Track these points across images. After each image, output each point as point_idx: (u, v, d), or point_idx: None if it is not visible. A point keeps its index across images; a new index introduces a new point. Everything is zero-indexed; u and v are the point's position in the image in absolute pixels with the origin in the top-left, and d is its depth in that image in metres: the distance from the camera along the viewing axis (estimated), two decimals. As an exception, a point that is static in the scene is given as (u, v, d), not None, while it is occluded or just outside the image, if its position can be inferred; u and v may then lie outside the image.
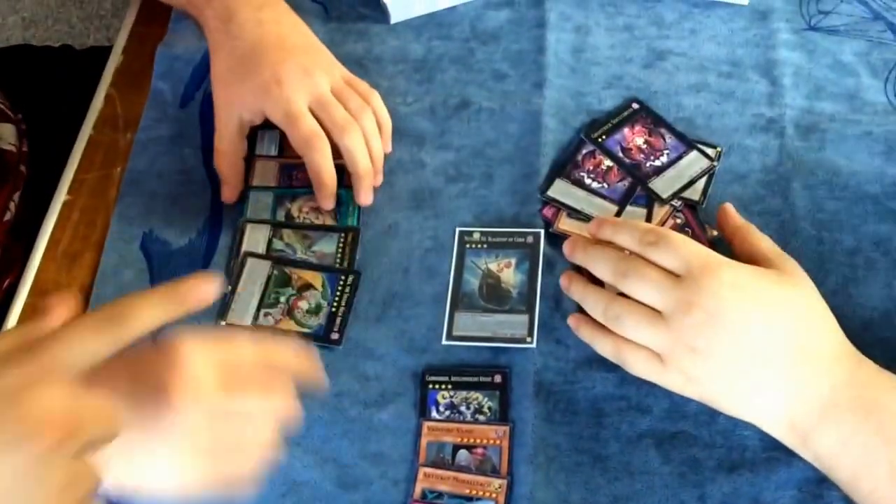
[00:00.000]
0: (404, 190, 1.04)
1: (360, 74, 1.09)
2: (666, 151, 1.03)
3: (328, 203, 1.00)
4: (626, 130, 1.05)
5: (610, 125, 1.05)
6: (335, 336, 0.96)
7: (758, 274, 0.84)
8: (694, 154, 1.02)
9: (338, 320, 0.97)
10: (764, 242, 0.89)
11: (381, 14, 1.18)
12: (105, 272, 1.01)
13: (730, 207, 0.94)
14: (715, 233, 0.96)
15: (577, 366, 0.92)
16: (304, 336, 0.96)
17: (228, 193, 1.03)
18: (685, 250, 0.85)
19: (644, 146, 1.03)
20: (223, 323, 0.96)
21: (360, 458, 0.89)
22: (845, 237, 0.98)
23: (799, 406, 0.81)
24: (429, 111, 1.09)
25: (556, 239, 0.98)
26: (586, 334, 0.90)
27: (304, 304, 0.98)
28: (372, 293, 0.98)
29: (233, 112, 1.00)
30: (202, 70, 1.14)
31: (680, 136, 1.04)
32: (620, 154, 1.03)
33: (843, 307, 0.92)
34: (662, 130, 1.04)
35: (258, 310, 0.97)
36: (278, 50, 1.00)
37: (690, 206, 0.99)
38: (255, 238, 1.01)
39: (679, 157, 1.03)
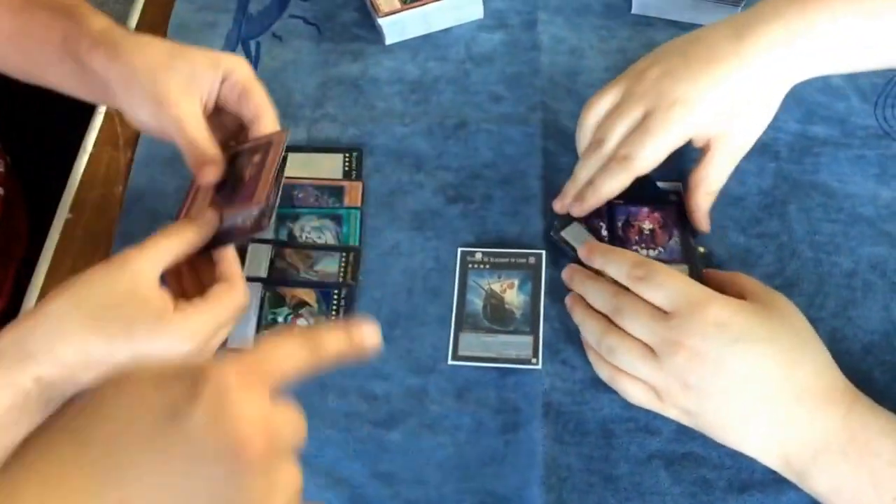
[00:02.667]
0: (405, 210, 1.04)
1: (356, 95, 1.10)
2: (661, 250, 0.98)
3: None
4: (644, 209, 1.00)
5: (636, 196, 0.99)
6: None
7: (746, 310, 0.84)
8: (682, 269, 0.96)
9: (342, 302, 0.97)
10: (750, 283, 0.90)
11: (376, 35, 1.18)
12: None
13: (711, 272, 0.95)
14: (702, 249, 0.98)
15: (585, 387, 0.92)
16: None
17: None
18: (672, 286, 0.85)
19: (647, 233, 1.00)
20: (226, 347, 0.95)
21: (371, 478, 0.89)
22: (843, 259, 0.98)
23: (792, 446, 0.81)
24: (426, 132, 1.09)
25: (560, 260, 0.99)
26: (590, 356, 0.92)
27: (302, 322, 0.97)
28: (377, 313, 0.98)
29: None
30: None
31: (686, 247, 0.97)
32: (619, 224, 1.00)
33: (844, 330, 0.93)
34: (677, 231, 0.99)
35: (257, 332, 0.96)
36: None
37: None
38: (258, 258, 1.00)
39: (667, 261, 0.95)
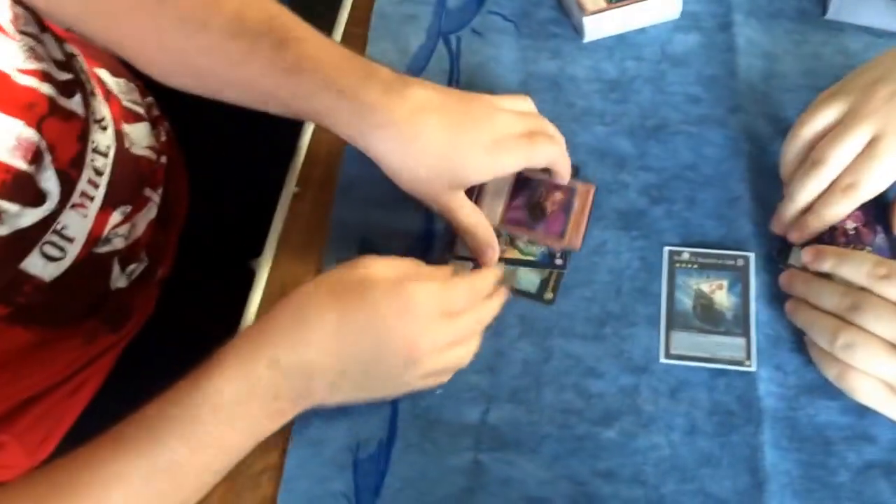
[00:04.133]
0: (610, 209, 1.05)
1: (556, 93, 1.12)
2: (868, 248, 0.95)
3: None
4: None
5: None
6: (549, 296, 1.00)
7: None
8: None
9: (551, 283, 1.01)
10: None
11: (572, 32, 1.19)
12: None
13: None
14: None
15: (800, 392, 0.92)
16: (520, 293, 1.00)
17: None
18: None
19: (852, 232, 0.96)
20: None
21: (591, 475, 0.90)
22: None
23: None
24: (627, 132, 1.10)
25: (769, 266, 0.99)
26: (815, 355, 0.91)
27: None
28: (587, 311, 0.99)
29: None
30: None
31: (893, 242, 0.95)
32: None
33: None
34: (880, 227, 0.96)
35: None
36: None
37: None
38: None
39: None
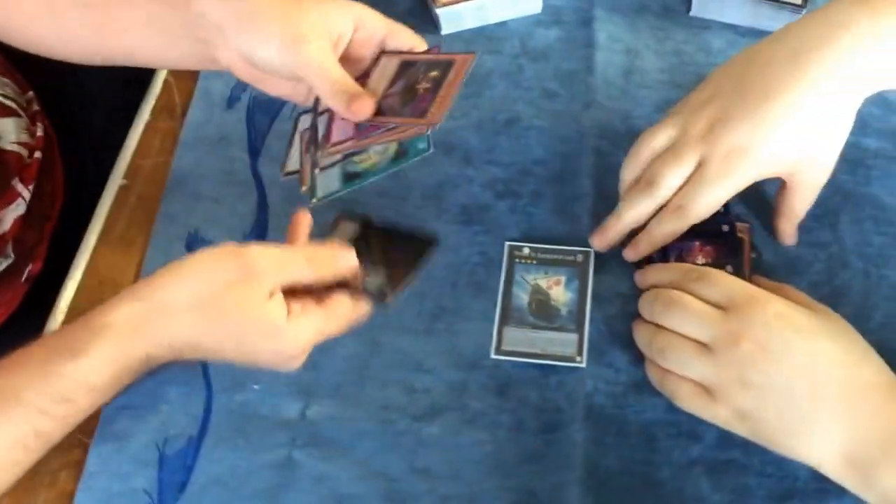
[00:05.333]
0: (453, 204, 1.03)
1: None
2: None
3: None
4: (696, 243, 0.95)
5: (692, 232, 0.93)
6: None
7: (802, 308, 0.83)
8: None
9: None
10: (800, 295, 0.88)
11: (431, 25, 1.18)
12: (150, 271, 0.98)
13: (759, 279, 0.93)
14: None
15: (628, 390, 0.91)
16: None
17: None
18: (729, 284, 0.85)
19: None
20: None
21: (407, 472, 0.88)
22: (891, 272, 0.97)
23: (858, 441, 0.78)
24: (476, 126, 1.09)
25: (607, 263, 0.98)
26: (646, 366, 0.90)
27: None
28: (420, 306, 0.97)
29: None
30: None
31: (741, 277, 0.90)
32: (672, 260, 0.95)
33: (890, 342, 0.91)
34: (730, 266, 0.93)
35: None
36: None
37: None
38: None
39: None
